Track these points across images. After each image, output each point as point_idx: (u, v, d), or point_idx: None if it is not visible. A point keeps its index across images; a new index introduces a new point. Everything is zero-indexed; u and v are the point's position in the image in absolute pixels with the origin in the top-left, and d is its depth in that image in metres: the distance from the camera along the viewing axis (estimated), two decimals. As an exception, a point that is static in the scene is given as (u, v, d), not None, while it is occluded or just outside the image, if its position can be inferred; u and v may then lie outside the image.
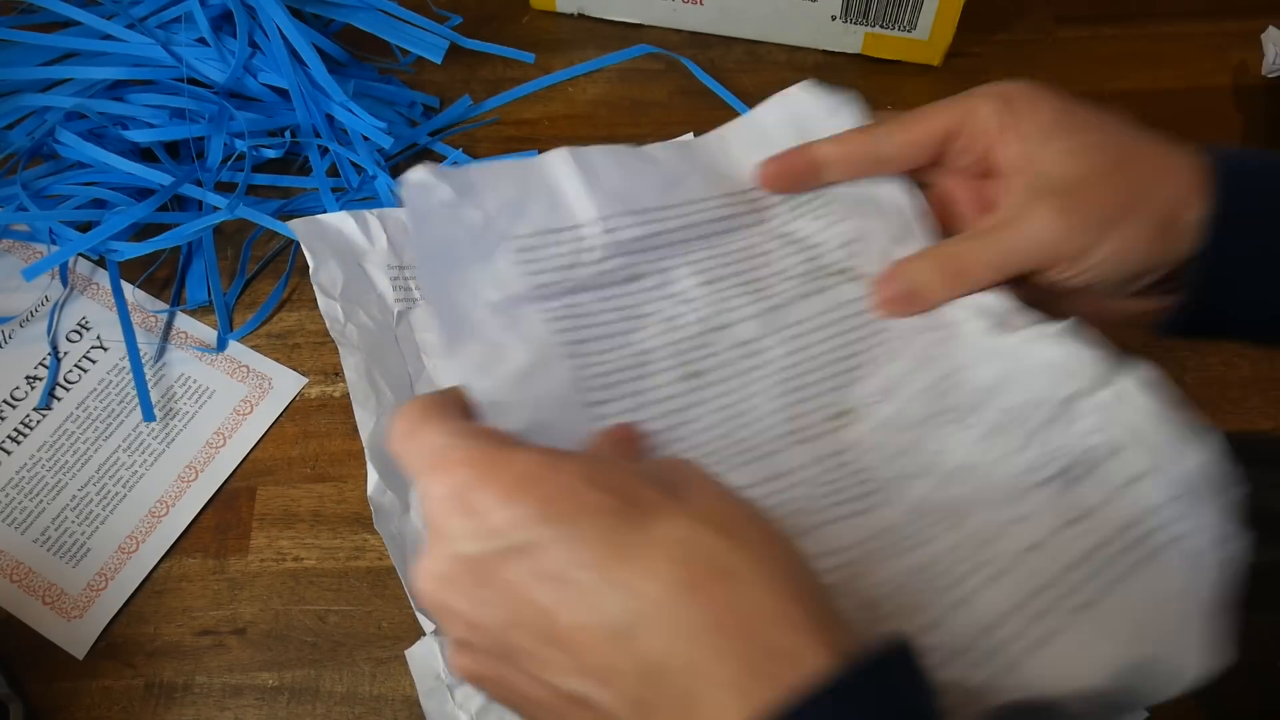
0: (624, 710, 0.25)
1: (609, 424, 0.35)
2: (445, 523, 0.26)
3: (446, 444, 0.27)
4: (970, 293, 0.37)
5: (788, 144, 0.40)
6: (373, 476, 0.43)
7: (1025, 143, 0.35)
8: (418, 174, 0.37)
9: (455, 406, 0.30)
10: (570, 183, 0.39)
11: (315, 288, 0.47)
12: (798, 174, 0.38)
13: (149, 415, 0.46)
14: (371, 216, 0.49)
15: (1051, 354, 0.35)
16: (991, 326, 0.37)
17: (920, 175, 0.39)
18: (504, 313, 0.37)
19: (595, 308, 0.38)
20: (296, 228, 0.48)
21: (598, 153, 0.40)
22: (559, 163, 0.39)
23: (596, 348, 0.37)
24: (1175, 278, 0.34)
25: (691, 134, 0.54)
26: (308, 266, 0.50)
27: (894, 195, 0.40)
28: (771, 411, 0.37)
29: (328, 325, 0.47)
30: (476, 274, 0.38)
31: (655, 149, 0.41)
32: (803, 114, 0.42)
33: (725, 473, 0.35)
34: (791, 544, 0.27)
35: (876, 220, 0.40)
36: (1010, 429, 0.35)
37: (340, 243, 0.48)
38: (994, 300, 0.37)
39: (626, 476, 0.26)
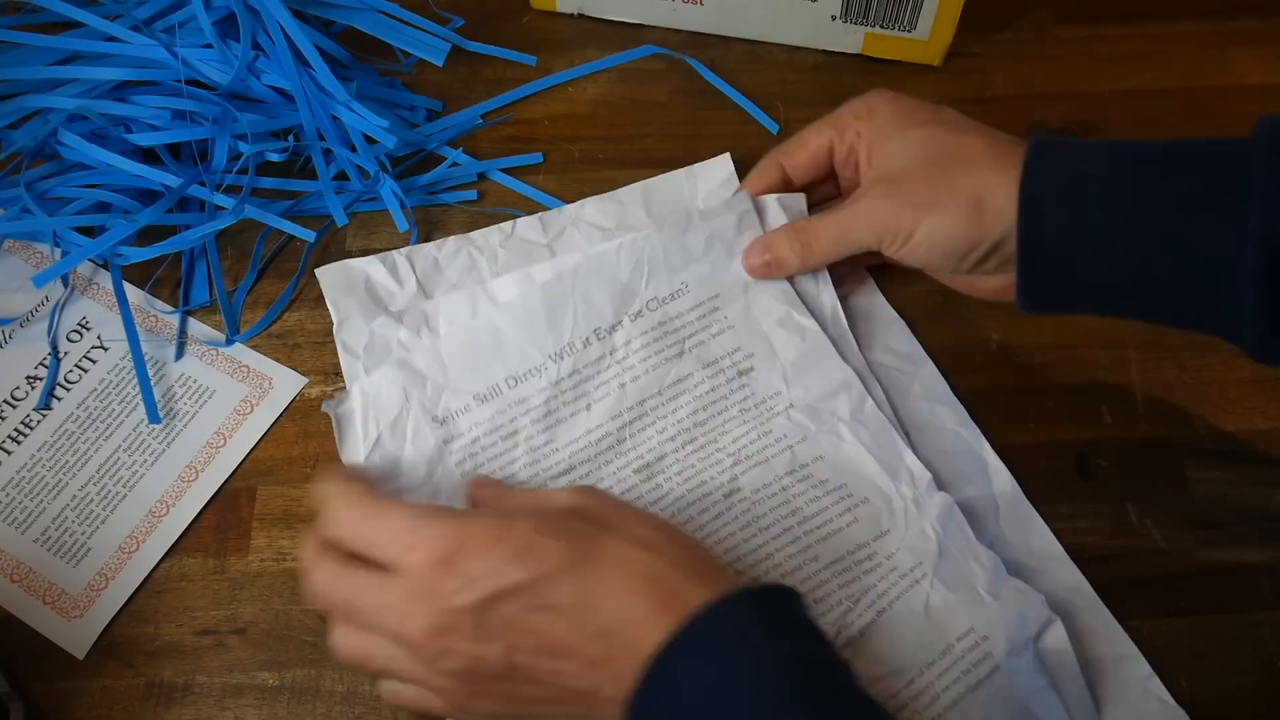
0: (600, 682, 0.32)
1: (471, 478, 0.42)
2: (436, 585, 0.32)
3: (412, 524, 0.34)
4: (820, 265, 0.46)
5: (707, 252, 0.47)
6: None
7: (874, 141, 0.44)
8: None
9: (373, 487, 0.36)
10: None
11: (339, 345, 0.46)
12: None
13: (154, 418, 0.46)
14: (400, 257, 0.48)
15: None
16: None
17: (819, 192, 0.48)
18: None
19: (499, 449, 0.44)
20: (323, 277, 0.47)
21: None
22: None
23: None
24: (1009, 253, 0.40)
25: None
26: (316, 268, 0.49)
27: (772, 313, 0.46)
28: (687, 495, 0.43)
29: (347, 383, 0.46)
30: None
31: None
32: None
33: None
34: (691, 542, 0.36)
35: (765, 344, 0.46)
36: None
37: (368, 290, 0.47)
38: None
39: (566, 521, 0.34)
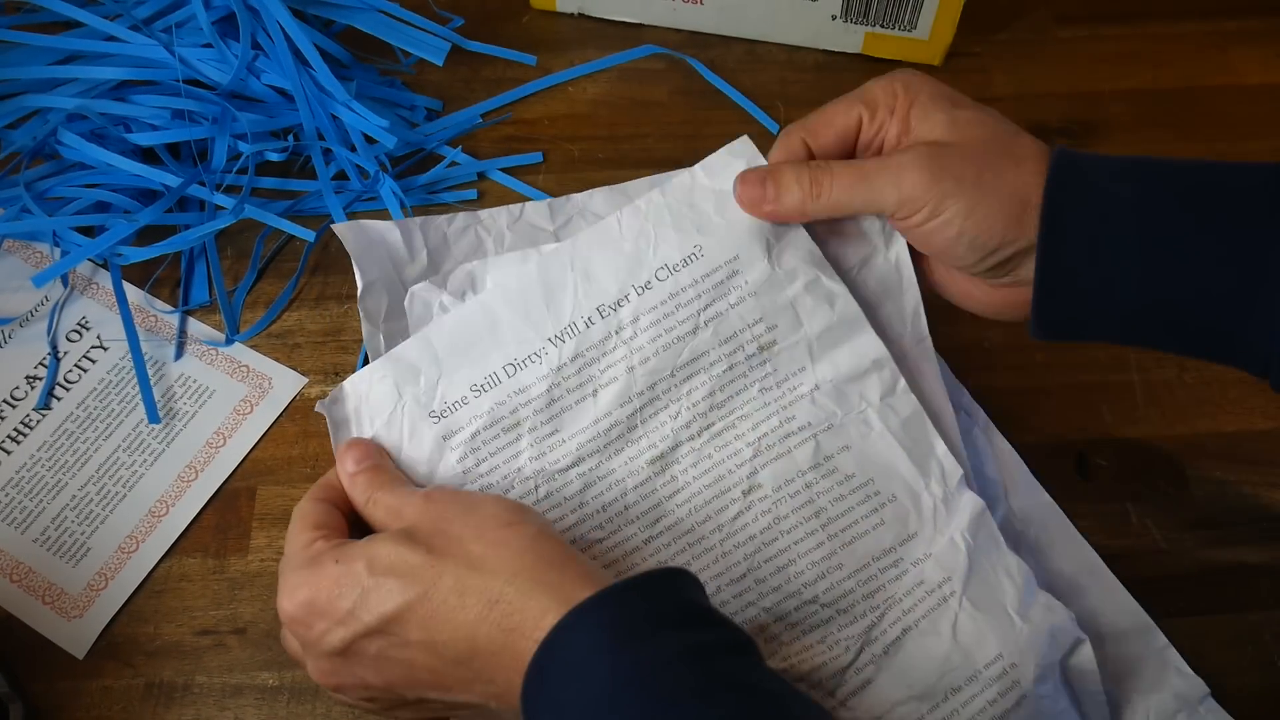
0: (485, 696, 0.34)
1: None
2: (305, 633, 0.35)
3: (284, 575, 0.35)
4: (823, 213, 0.40)
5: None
6: None
7: (913, 114, 0.39)
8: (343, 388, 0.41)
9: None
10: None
11: (361, 314, 0.44)
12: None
13: (154, 418, 0.46)
14: (414, 226, 0.46)
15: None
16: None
17: None
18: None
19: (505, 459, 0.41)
20: (343, 233, 0.45)
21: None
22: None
23: (497, 476, 0.41)
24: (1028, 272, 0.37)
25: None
26: (316, 268, 0.49)
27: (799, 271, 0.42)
28: (704, 491, 0.41)
29: (369, 353, 0.43)
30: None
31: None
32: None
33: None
34: (532, 539, 0.34)
35: (790, 313, 0.42)
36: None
37: (384, 254, 0.45)
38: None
39: (398, 552, 0.34)
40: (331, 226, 0.46)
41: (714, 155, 0.43)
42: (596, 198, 0.48)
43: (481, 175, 0.53)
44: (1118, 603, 0.41)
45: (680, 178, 0.43)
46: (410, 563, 0.34)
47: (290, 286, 0.50)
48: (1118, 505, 0.44)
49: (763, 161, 0.43)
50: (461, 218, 0.47)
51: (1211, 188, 0.36)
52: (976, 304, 0.41)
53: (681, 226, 0.42)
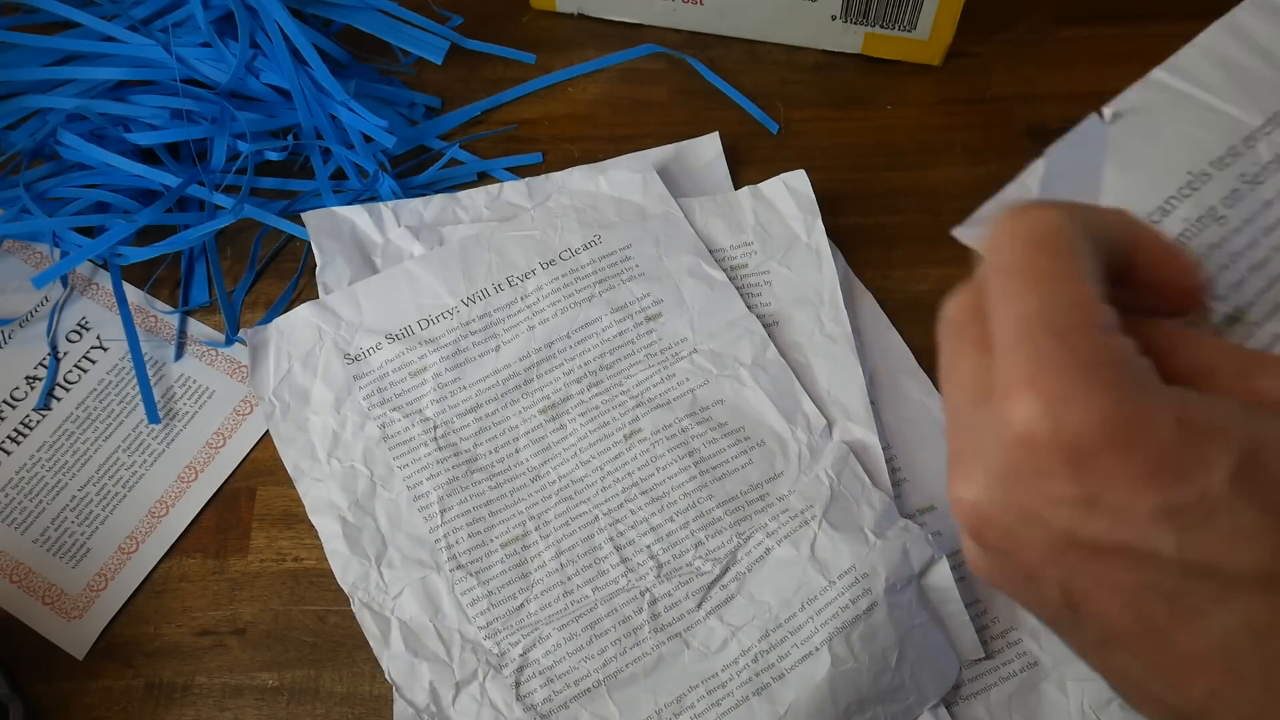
0: None
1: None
2: (1042, 482, 0.20)
3: (1069, 365, 0.20)
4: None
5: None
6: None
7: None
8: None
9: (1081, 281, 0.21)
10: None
11: (320, 287, 0.47)
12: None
13: (154, 418, 0.46)
14: (386, 209, 0.49)
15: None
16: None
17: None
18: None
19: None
20: (309, 220, 0.48)
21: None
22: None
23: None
24: None
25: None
26: (315, 265, 0.49)
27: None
28: (589, 435, 0.44)
29: None
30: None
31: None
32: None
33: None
34: None
35: (675, 291, 0.47)
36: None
37: (352, 237, 0.49)
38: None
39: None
40: (302, 216, 0.48)
41: (616, 169, 0.50)
42: (575, 175, 0.51)
43: (481, 175, 0.53)
44: None
45: (587, 184, 0.50)
46: None
47: (290, 287, 0.50)
48: (1117, 505, 0.44)
49: (656, 177, 0.49)
50: (438, 200, 0.51)
51: None
52: None
53: (585, 221, 0.49)
